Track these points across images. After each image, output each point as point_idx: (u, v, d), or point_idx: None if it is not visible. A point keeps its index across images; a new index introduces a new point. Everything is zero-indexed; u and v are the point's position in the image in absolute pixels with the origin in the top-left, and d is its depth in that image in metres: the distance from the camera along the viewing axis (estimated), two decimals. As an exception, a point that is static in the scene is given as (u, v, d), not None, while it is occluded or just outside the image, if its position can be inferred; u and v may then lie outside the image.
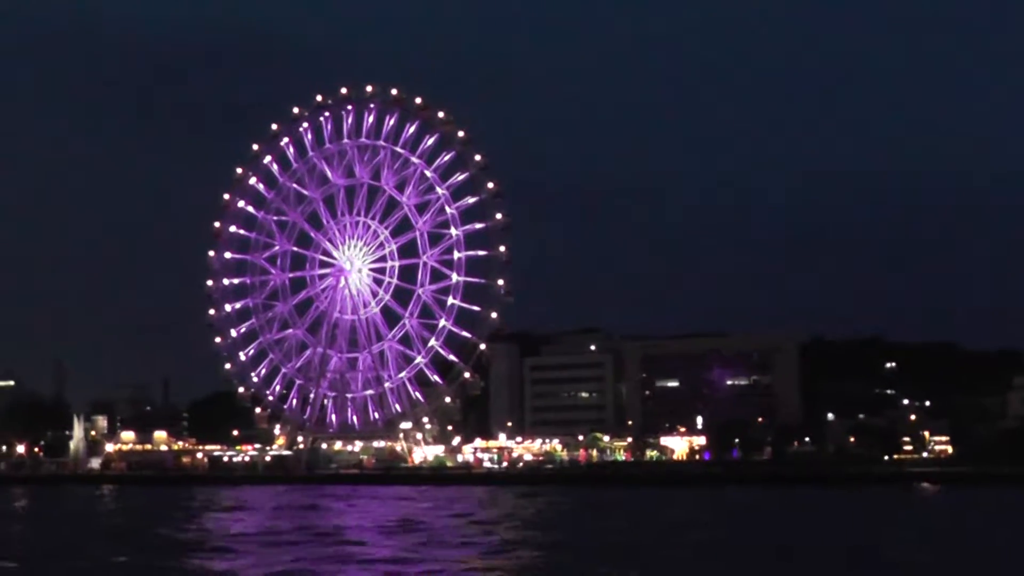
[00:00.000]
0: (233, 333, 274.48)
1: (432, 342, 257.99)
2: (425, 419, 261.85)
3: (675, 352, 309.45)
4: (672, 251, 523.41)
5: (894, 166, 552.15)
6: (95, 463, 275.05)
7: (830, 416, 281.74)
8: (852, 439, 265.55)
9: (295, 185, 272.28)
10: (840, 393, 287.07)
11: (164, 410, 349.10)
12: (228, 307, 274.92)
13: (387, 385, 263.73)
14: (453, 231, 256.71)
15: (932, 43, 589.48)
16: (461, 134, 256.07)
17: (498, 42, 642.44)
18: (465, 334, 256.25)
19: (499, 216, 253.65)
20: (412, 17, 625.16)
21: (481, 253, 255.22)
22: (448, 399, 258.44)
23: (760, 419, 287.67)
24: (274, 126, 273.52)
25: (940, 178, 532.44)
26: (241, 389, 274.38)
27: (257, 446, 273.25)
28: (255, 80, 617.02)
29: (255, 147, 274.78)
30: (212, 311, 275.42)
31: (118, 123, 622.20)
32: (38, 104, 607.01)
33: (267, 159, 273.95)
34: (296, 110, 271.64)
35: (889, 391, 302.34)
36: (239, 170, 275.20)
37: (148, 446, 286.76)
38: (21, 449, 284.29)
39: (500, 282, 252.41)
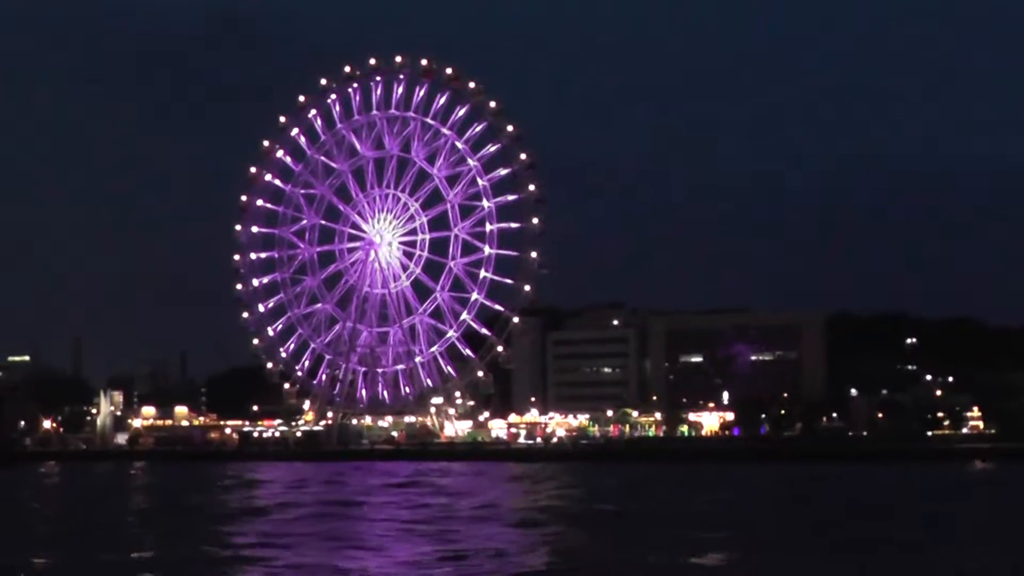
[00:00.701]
0: (261, 308, 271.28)
1: (464, 316, 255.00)
2: (457, 393, 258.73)
3: (699, 327, 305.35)
4: (696, 227, 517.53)
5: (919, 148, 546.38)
6: (121, 438, 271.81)
7: (853, 392, 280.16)
8: (880, 415, 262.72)
9: (323, 158, 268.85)
10: (863, 369, 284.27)
11: (182, 385, 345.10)
12: (255, 281, 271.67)
13: (418, 359, 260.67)
14: (485, 203, 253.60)
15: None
16: (493, 104, 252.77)
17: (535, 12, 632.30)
18: (498, 307, 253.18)
19: (532, 187, 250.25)
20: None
21: (514, 225, 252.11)
22: (480, 373, 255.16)
23: (785, 394, 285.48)
24: (301, 98, 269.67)
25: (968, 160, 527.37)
26: (269, 364, 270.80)
27: (286, 421, 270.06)
28: (280, 53, 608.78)
29: (282, 120, 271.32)
30: (239, 286, 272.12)
31: (144, 96, 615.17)
32: (71, 82, 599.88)
33: (294, 132, 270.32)
34: (324, 82, 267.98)
35: (910, 367, 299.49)
36: (266, 143, 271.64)
37: (169, 421, 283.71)
38: (47, 424, 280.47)
39: (534, 254, 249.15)
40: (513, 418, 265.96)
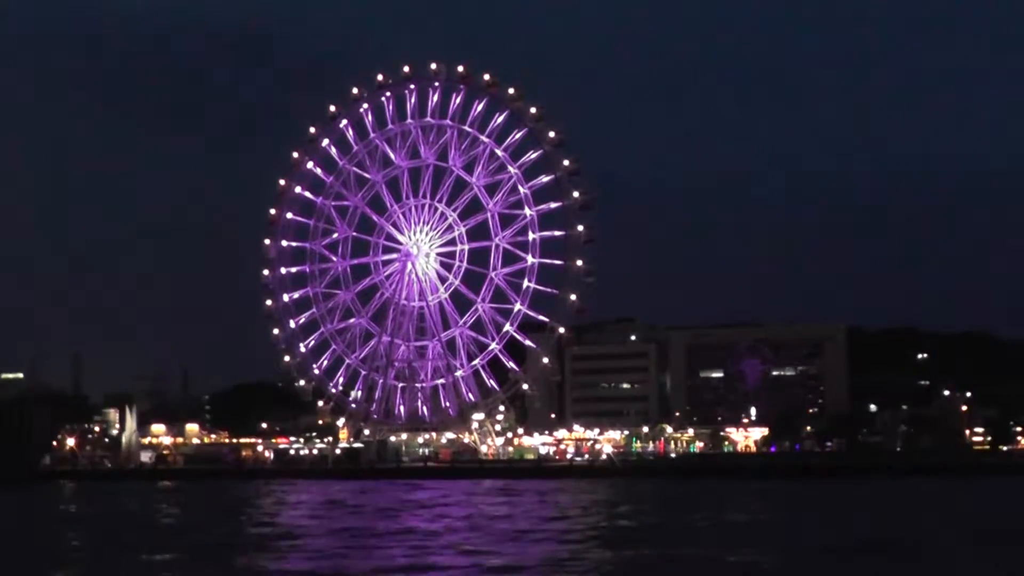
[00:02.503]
0: (292, 324, 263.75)
1: (507, 327, 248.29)
2: (501, 408, 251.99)
3: (719, 342, 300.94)
4: (702, 242, 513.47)
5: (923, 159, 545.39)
6: (146, 457, 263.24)
7: (872, 407, 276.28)
8: (911, 430, 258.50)
9: (355, 168, 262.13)
10: (882, 383, 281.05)
11: (185, 402, 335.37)
12: (286, 297, 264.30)
13: (459, 373, 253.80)
14: (527, 211, 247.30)
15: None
16: (533, 111, 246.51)
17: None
18: (542, 318, 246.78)
19: (576, 194, 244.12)
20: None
21: (557, 233, 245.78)
22: (526, 386, 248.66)
23: (811, 410, 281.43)
24: (332, 108, 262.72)
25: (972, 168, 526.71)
26: (302, 382, 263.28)
27: (303, 439, 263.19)
28: (308, 63, 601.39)
29: (312, 130, 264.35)
30: (269, 301, 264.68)
31: (149, 110, 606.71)
32: (72, 95, 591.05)
33: (325, 142, 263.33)
34: (355, 91, 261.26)
35: (923, 381, 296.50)
36: (295, 154, 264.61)
37: (180, 439, 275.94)
38: (71, 442, 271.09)
39: (579, 263, 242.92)
40: (562, 433, 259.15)
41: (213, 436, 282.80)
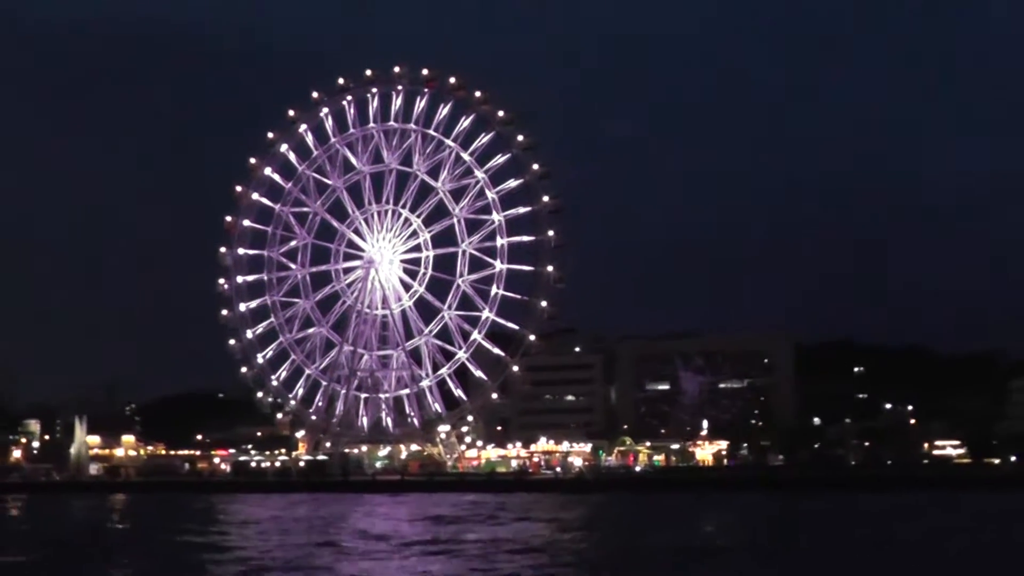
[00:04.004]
0: (249, 334, 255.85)
1: (475, 335, 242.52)
2: (470, 418, 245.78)
3: (667, 353, 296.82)
4: (644, 255, 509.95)
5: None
6: (94, 469, 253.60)
7: (816, 420, 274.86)
8: (865, 443, 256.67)
9: (315, 174, 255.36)
10: (826, 396, 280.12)
11: (114, 414, 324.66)
12: (243, 306, 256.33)
13: (424, 383, 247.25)
14: (494, 216, 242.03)
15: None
16: (501, 114, 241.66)
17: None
18: (512, 325, 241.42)
19: (546, 199, 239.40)
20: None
21: (526, 239, 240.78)
22: (495, 395, 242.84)
23: (760, 423, 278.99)
24: (291, 113, 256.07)
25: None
26: (260, 394, 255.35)
27: (243, 451, 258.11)
28: (267, 67, 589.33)
29: (270, 135, 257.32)
30: (225, 311, 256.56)
31: (96, 111, 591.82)
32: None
33: (283, 147, 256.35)
34: (315, 95, 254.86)
35: (861, 395, 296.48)
36: (253, 160, 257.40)
37: (117, 451, 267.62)
38: (17, 454, 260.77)
39: (550, 268, 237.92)
40: (541, 444, 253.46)
41: (150, 448, 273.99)
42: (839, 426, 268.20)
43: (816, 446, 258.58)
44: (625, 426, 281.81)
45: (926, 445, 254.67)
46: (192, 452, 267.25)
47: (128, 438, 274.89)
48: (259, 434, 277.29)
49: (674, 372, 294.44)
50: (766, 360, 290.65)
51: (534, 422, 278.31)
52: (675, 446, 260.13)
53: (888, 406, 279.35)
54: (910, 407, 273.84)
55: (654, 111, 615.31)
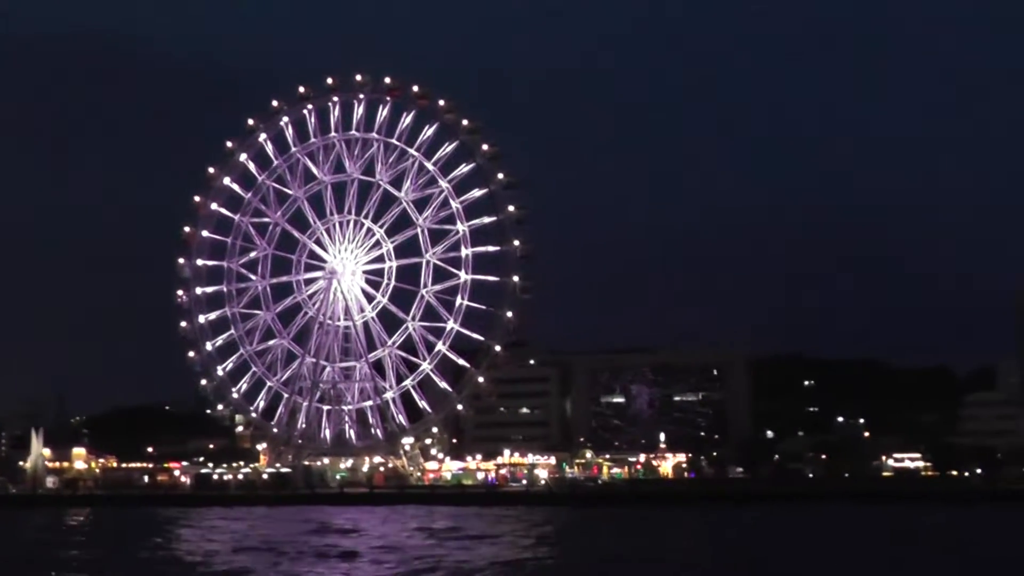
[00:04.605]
0: (208, 346, 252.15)
1: (439, 346, 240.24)
2: (435, 430, 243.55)
3: (622, 366, 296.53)
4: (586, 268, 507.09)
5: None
6: (51, 482, 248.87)
7: (769, 433, 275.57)
8: (823, 456, 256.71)
9: (275, 184, 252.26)
10: (776, 409, 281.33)
11: (62, 427, 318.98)
12: (202, 318, 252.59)
13: (387, 395, 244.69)
14: (459, 226, 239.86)
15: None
16: (466, 123, 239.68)
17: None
18: (477, 336, 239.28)
19: (512, 208, 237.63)
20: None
21: (492, 249, 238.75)
22: (460, 407, 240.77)
23: (716, 436, 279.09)
24: (250, 122, 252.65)
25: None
26: (220, 406, 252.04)
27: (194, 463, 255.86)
28: (225, 75, 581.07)
29: (229, 144, 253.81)
30: (184, 323, 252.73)
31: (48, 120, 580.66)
32: None
33: (243, 157, 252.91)
34: (275, 104, 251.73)
35: (812, 408, 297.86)
36: (211, 170, 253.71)
37: (67, 464, 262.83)
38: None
39: (516, 278, 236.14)
40: (508, 457, 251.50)
41: (101, 460, 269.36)
42: (794, 439, 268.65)
43: (776, 458, 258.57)
44: (581, 439, 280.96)
45: (884, 458, 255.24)
46: (145, 465, 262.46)
47: (79, 450, 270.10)
48: (212, 447, 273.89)
49: (629, 386, 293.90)
50: (720, 373, 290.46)
51: (489, 435, 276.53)
52: (640, 458, 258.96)
53: (840, 419, 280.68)
54: (862, 420, 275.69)
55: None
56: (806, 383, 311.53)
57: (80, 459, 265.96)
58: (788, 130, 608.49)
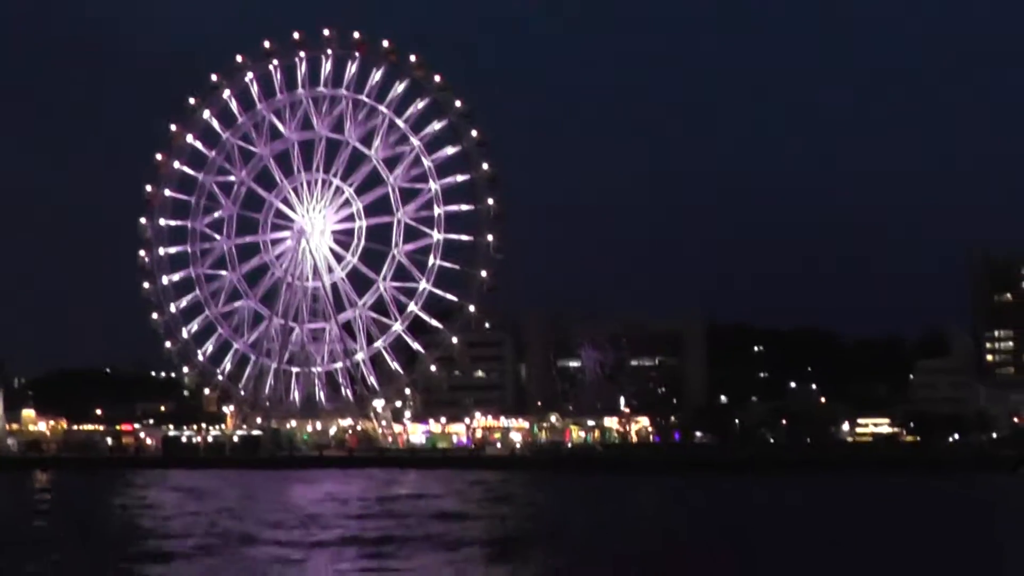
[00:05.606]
0: (172, 308, 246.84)
1: (411, 307, 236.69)
2: (407, 391, 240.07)
3: (577, 331, 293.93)
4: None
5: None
6: (11, 443, 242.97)
7: (723, 398, 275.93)
8: (783, 423, 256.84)
9: (240, 142, 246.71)
10: (730, 376, 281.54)
11: (6, 387, 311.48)
12: (165, 279, 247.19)
13: (359, 356, 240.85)
14: (431, 185, 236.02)
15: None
16: (438, 79, 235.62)
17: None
18: (450, 297, 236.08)
19: (485, 166, 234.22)
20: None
21: (464, 208, 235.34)
22: (433, 368, 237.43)
23: (674, 400, 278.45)
24: (214, 77, 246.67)
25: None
26: (185, 368, 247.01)
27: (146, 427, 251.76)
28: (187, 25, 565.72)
29: (191, 101, 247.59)
30: (147, 284, 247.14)
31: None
32: None
33: (206, 114, 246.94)
34: (239, 59, 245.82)
35: (762, 373, 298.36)
36: (173, 127, 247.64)
37: (16, 425, 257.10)
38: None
39: (489, 238, 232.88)
40: (489, 420, 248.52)
41: (51, 422, 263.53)
42: (752, 405, 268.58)
43: (737, 423, 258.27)
44: (540, 403, 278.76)
45: (847, 425, 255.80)
46: (97, 427, 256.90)
47: (29, 412, 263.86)
48: (162, 408, 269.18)
49: (586, 349, 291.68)
50: (677, 340, 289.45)
51: (442, 398, 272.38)
52: (611, 424, 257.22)
53: (793, 385, 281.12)
54: (814, 386, 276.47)
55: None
56: (756, 348, 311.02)
57: (30, 421, 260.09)
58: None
